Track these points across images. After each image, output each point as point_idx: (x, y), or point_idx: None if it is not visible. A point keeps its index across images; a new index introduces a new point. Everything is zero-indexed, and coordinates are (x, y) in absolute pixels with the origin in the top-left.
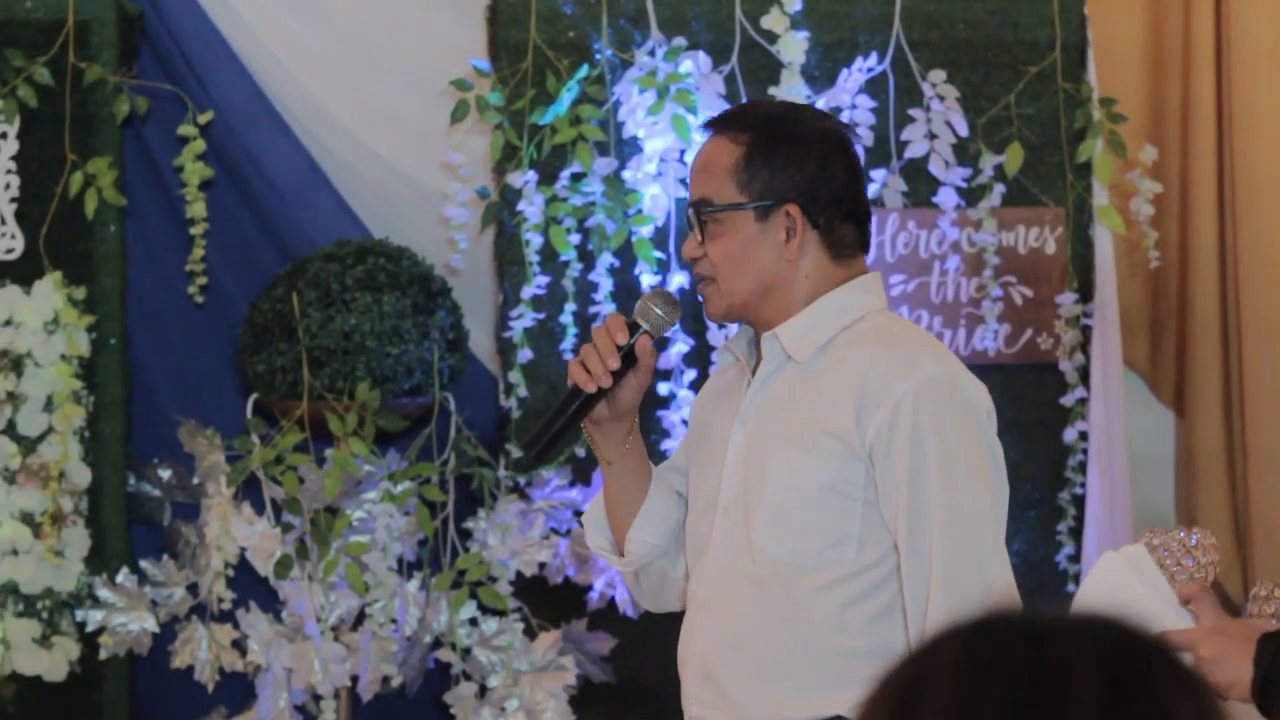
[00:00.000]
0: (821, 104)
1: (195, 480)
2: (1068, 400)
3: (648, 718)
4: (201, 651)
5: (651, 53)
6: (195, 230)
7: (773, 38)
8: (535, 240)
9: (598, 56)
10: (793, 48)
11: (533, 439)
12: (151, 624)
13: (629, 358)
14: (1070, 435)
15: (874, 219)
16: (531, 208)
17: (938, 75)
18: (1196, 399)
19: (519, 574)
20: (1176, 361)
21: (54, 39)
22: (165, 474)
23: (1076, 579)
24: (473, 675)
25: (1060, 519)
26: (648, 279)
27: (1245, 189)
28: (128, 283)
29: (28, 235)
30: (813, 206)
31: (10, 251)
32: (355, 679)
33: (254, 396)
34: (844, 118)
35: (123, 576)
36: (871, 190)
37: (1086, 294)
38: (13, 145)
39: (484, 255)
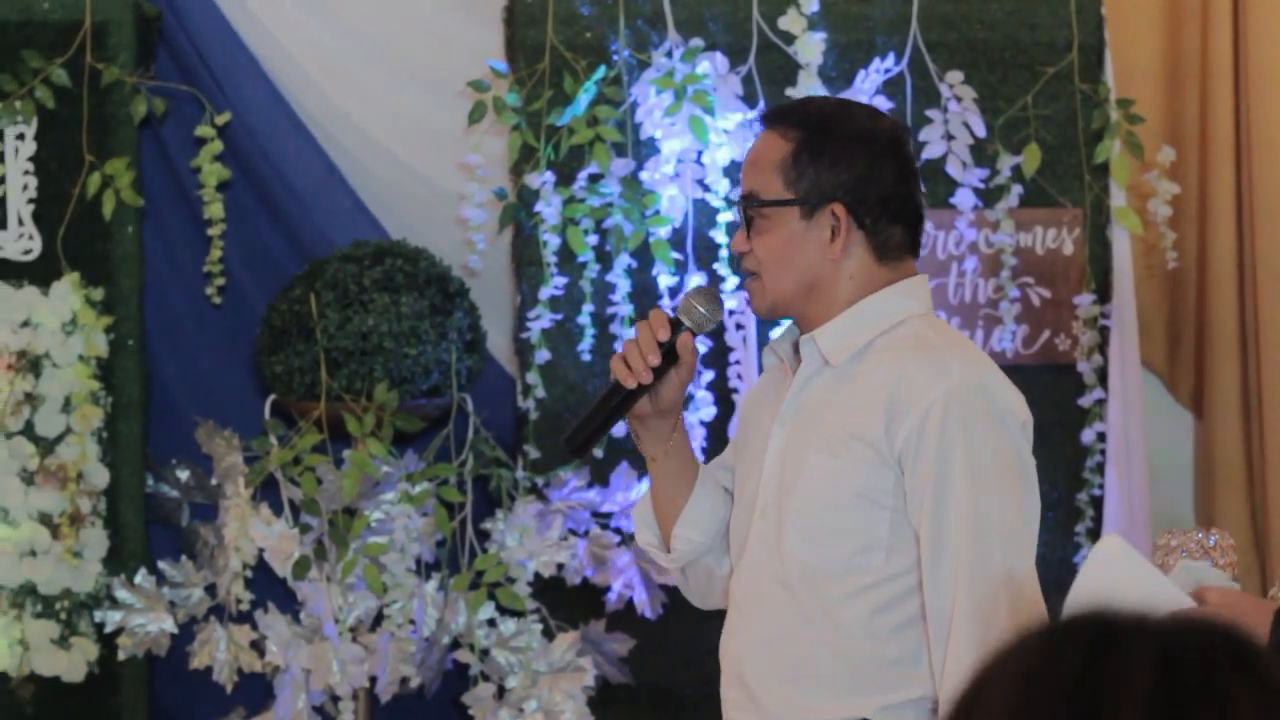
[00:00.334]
0: None
1: (213, 481)
2: (1085, 401)
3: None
4: (220, 652)
5: (669, 54)
6: (213, 231)
7: (790, 39)
8: (553, 241)
9: (615, 57)
10: (810, 49)
11: (573, 432)
12: (170, 625)
13: (670, 354)
14: (1088, 436)
15: None
16: (549, 209)
17: (955, 76)
18: (1215, 400)
19: (537, 575)
20: (1195, 363)
21: (71, 40)
22: (183, 475)
23: None
24: (491, 676)
25: (1078, 520)
26: (665, 280)
27: (1263, 190)
28: (145, 284)
29: (45, 236)
30: (859, 206)
31: (28, 252)
32: (373, 680)
33: (272, 397)
34: None
35: (141, 577)
36: None
37: (1104, 295)
38: (30, 146)
39: (501, 256)
